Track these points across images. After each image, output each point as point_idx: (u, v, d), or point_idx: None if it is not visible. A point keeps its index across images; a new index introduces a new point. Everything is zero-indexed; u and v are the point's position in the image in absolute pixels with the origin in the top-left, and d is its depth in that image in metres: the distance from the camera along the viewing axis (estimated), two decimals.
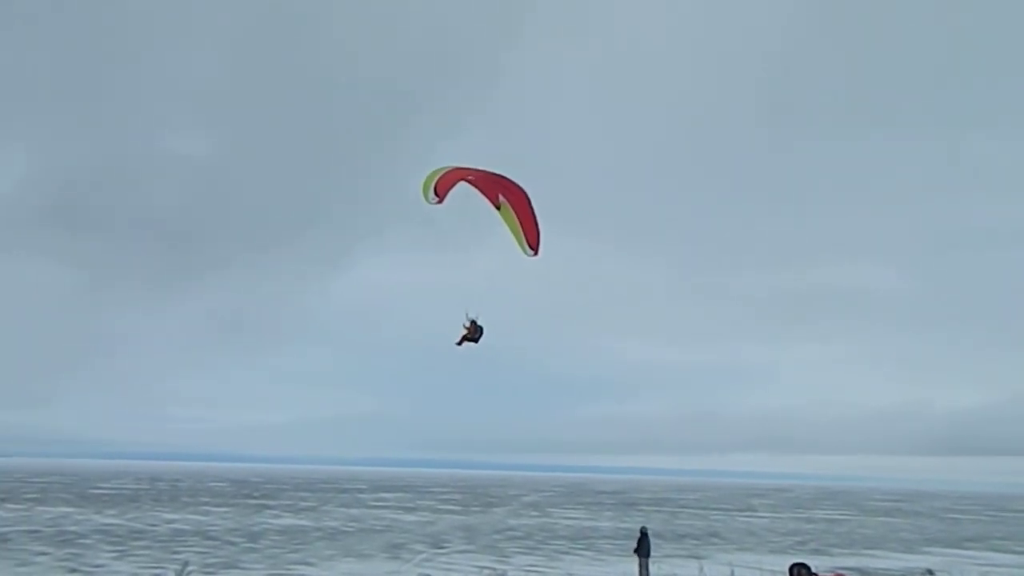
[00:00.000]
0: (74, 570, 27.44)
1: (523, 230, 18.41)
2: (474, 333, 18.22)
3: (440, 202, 17.07)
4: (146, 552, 32.74)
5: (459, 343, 18.45)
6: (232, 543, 36.50)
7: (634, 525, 53.33)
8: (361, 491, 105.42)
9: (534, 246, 18.66)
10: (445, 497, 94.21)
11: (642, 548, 26.95)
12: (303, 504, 69.59)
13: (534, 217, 18.48)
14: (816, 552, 40.90)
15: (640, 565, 26.78)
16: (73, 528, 41.54)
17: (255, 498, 78.25)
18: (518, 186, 18.50)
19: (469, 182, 18.02)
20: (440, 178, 17.29)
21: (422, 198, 17.11)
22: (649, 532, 28.03)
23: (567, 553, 36.92)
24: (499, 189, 18.30)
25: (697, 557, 36.84)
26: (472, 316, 18.06)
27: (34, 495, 72.56)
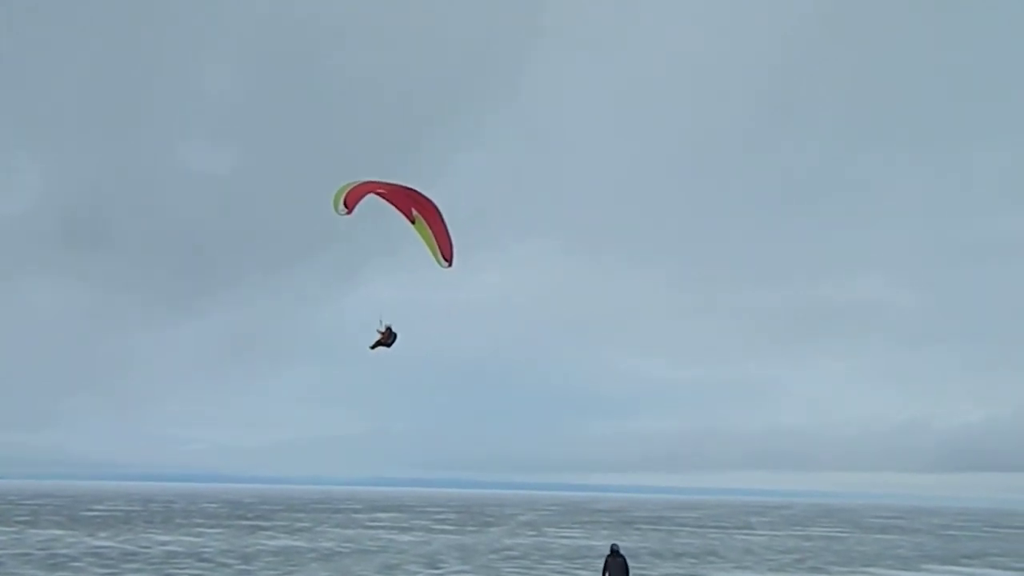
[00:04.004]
0: None
1: (437, 243, 19.23)
2: (388, 338, 19.22)
3: (349, 213, 17.89)
4: (138, 575, 32.45)
5: (373, 347, 19.52)
6: (226, 565, 36.20)
7: (632, 544, 53.06)
8: (356, 511, 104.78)
9: (448, 258, 19.52)
10: (441, 517, 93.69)
11: (612, 570, 23.25)
12: (298, 525, 69.12)
13: (446, 230, 19.27)
14: (814, 570, 40.71)
15: None
16: (65, 551, 41.17)
17: (249, 519, 77.70)
18: (429, 200, 19.19)
19: (380, 195, 18.73)
20: (350, 191, 18.12)
21: (332, 209, 17.93)
22: (621, 549, 24.06)
23: (563, 573, 36.67)
24: (411, 203, 18.98)
25: None
26: (387, 323, 19.08)
27: (25, 517, 71.96)
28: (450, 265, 19.39)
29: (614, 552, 23.62)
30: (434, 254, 19.32)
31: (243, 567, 35.53)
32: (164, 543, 47.12)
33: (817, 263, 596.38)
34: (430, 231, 19.12)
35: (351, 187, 18.10)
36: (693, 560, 44.09)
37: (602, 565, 23.90)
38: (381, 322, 19.13)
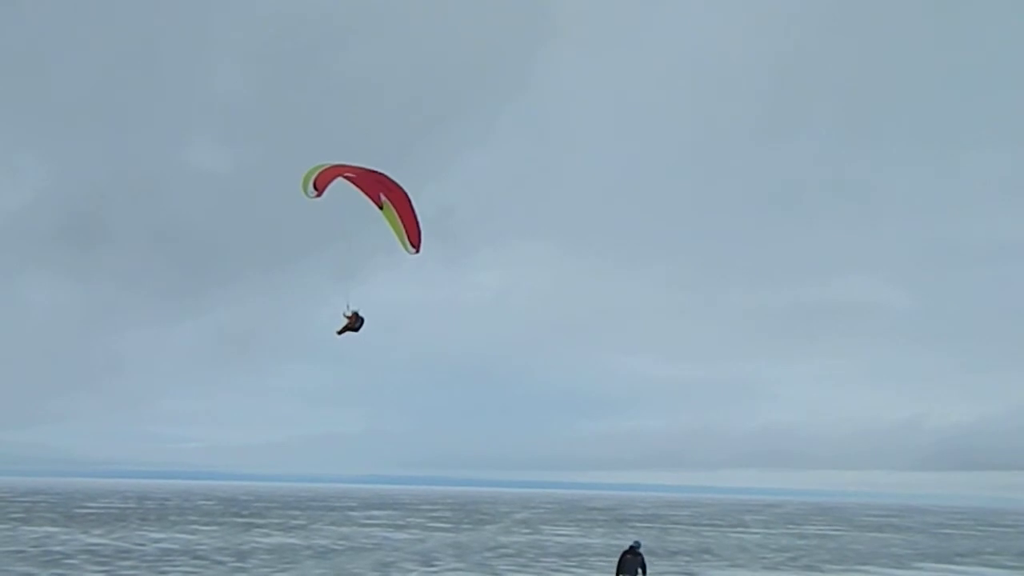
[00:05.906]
0: None
1: (405, 229, 19.23)
2: (355, 323, 19.38)
3: (318, 196, 17.92)
4: (133, 572, 32.38)
5: (340, 332, 19.68)
6: (220, 562, 36.14)
7: (626, 542, 53.03)
8: (351, 509, 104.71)
9: (415, 244, 19.52)
10: (435, 514, 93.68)
11: (628, 568, 22.77)
12: (293, 522, 69.05)
13: (415, 216, 19.27)
14: (808, 568, 40.81)
15: None
16: (59, 548, 41.06)
17: (244, 516, 77.59)
18: (398, 185, 19.10)
19: (349, 179, 18.67)
20: (320, 174, 18.11)
21: (301, 192, 17.96)
22: (640, 548, 23.53)
23: (558, 571, 36.70)
24: (380, 188, 18.94)
25: (689, 574, 36.72)
26: (354, 308, 19.29)
27: (19, 514, 71.75)
28: (417, 252, 19.46)
29: (633, 550, 22.97)
30: (401, 240, 19.32)
31: (238, 564, 35.48)
32: (158, 540, 47.03)
33: (814, 263, 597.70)
34: (398, 217, 19.05)
35: (321, 170, 18.02)
36: (687, 558, 44.15)
37: (617, 562, 23.29)
38: (348, 307, 19.29)
